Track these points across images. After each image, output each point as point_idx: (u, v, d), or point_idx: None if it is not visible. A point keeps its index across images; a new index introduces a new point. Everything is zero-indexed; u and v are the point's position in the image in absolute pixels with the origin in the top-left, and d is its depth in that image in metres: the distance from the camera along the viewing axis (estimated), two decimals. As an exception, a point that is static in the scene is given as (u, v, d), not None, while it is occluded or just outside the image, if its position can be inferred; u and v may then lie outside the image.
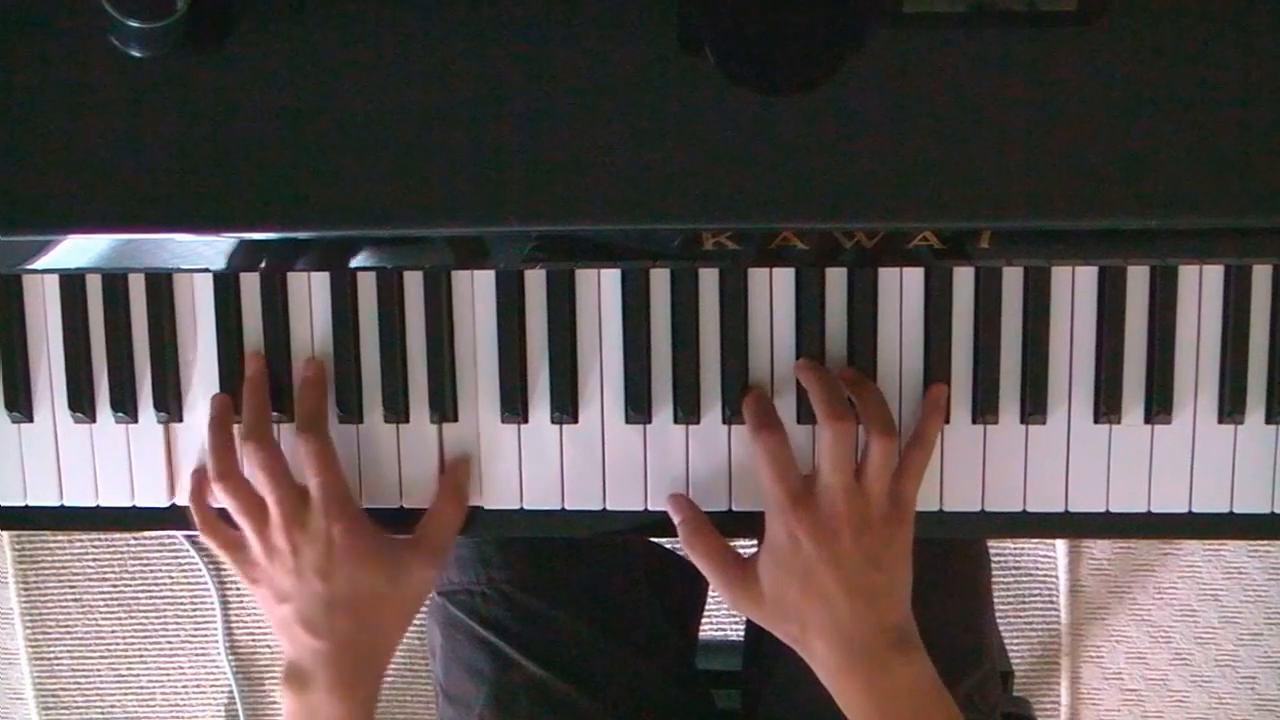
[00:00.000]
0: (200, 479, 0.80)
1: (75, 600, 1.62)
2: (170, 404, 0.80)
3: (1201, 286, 0.77)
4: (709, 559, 0.77)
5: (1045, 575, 1.54)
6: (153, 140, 0.69)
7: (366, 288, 0.79)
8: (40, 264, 0.76)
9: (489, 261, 0.77)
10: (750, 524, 0.79)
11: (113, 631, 1.63)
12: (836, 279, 0.77)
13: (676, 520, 0.79)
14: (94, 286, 0.80)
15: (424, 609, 0.90)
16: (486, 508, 0.81)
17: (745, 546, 0.78)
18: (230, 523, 0.79)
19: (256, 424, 0.78)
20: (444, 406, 0.79)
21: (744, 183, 0.68)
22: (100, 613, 1.62)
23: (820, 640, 0.73)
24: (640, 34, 0.68)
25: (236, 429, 0.79)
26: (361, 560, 0.76)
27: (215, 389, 0.80)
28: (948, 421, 0.78)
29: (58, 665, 1.64)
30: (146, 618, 1.62)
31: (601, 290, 0.78)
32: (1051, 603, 1.54)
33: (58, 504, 0.82)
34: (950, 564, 0.92)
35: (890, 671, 0.73)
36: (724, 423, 0.79)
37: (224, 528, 0.80)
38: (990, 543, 1.21)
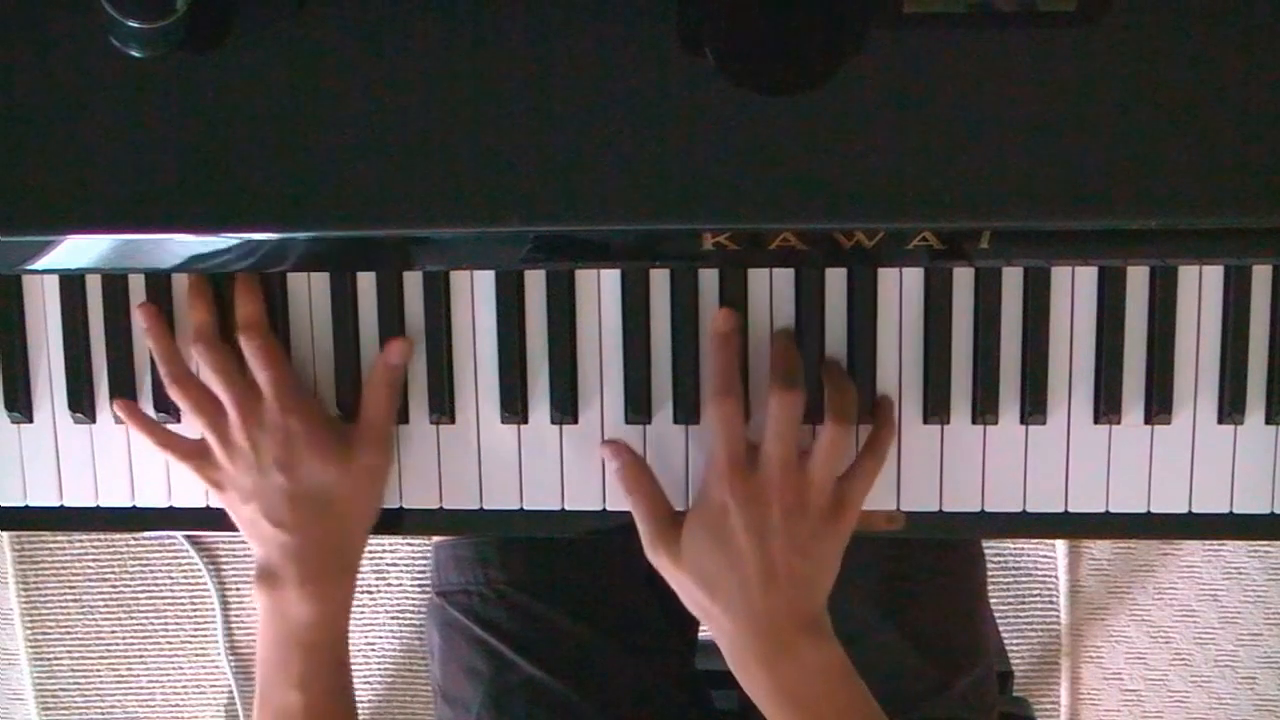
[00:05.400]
0: (128, 405, 0.80)
1: (75, 600, 1.62)
2: (170, 404, 0.80)
3: (1201, 286, 0.77)
4: (643, 505, 0.76)
5: (1045, 575, 1.53)
6: (153, 140, 0.69)
7: (366, 288, 0.79)
8: (40, 264, 0.76)
9: (489, 261, 0.77)
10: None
11: (113, 631, 1.63)
12: (836, 279, 0.77)
13: (613, 466, 0.77)
14: (94, 286, 0.80)
15: (423, 610, 0.89)
16: (486, 508, 0.81)
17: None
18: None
19: (204, 326, 0.77)
20: (443, 407, 0.79)
21: (744, 183, 0.68)
22: (100, 613, 1.62)
23: (726, 613, 0.72)
24: (640, 34, 0.68)
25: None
26: (318, 449, 0.76)
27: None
28: (947, 422, 0.78)
29: (58, 665, 1.64)
30: (146, 618, 1.62)
31: (601, 290, 0.78)
32: (1051, 603, 1.54)
33: (58, 504, 0.82)
34: (944, 563, 0.92)
35: (795, 655, 0.71)
36: (724, 423, 0.79)
37: (180, 437, 0.79)
38: (990, 543, 1.21)
